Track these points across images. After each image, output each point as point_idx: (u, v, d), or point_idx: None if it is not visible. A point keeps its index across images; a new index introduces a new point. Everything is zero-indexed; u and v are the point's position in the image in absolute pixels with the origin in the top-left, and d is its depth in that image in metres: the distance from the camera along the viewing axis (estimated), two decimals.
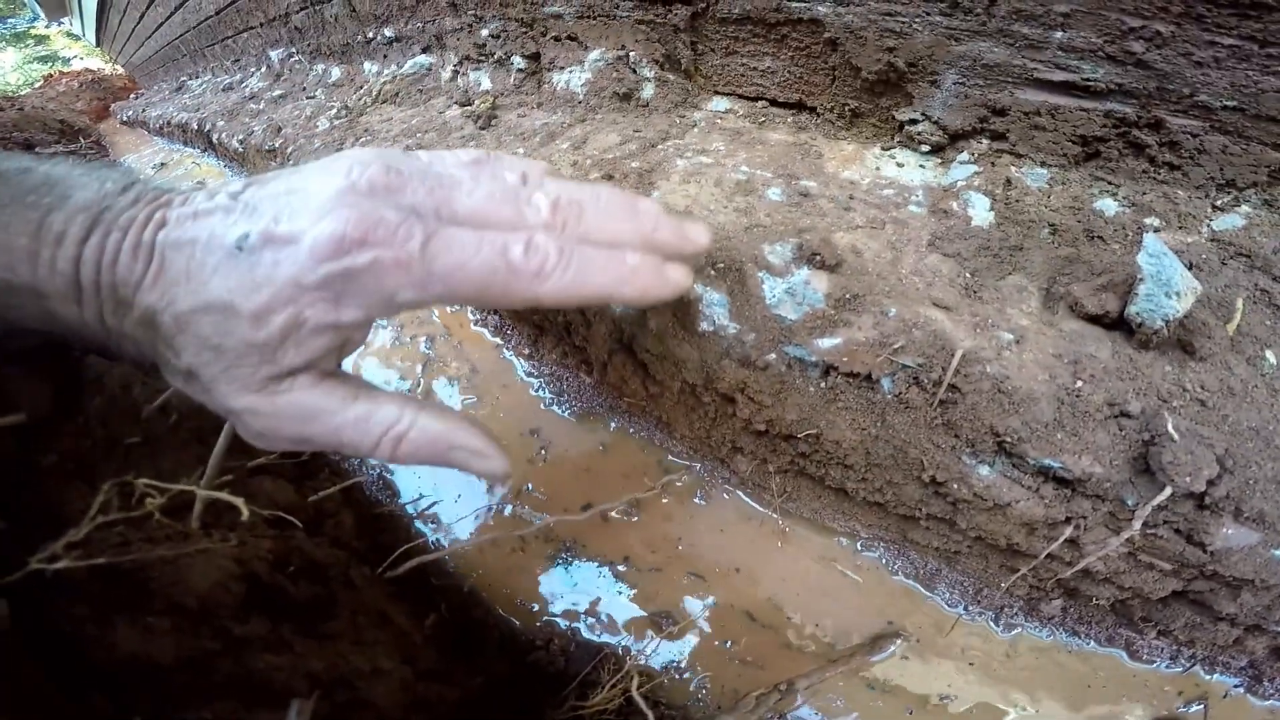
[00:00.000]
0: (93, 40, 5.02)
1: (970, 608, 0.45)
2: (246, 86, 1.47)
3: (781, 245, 0.38)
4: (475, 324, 0.63)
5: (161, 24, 2.37)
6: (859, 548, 0.45)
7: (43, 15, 6.51)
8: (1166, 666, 0.44)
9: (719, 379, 0.37)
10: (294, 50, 1.35)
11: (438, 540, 0.52)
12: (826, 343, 0.34)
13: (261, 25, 1.44)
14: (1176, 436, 0.33)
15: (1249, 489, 0.35)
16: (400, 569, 0.49)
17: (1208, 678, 0.43)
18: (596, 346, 0.44)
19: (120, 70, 4.23)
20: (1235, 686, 0.42)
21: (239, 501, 0.46)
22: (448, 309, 0.68)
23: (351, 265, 0.25)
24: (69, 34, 6.49)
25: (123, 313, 0.27)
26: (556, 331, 0.49)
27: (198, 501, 0.47)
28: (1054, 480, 0.35)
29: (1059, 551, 0.39)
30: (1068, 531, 0.37)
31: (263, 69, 1.50)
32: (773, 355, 0.36)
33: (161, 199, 0.28)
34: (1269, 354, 0.38)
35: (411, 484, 0.57)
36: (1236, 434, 0.35)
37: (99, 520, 0.42)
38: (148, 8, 2.42)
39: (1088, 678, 0.43)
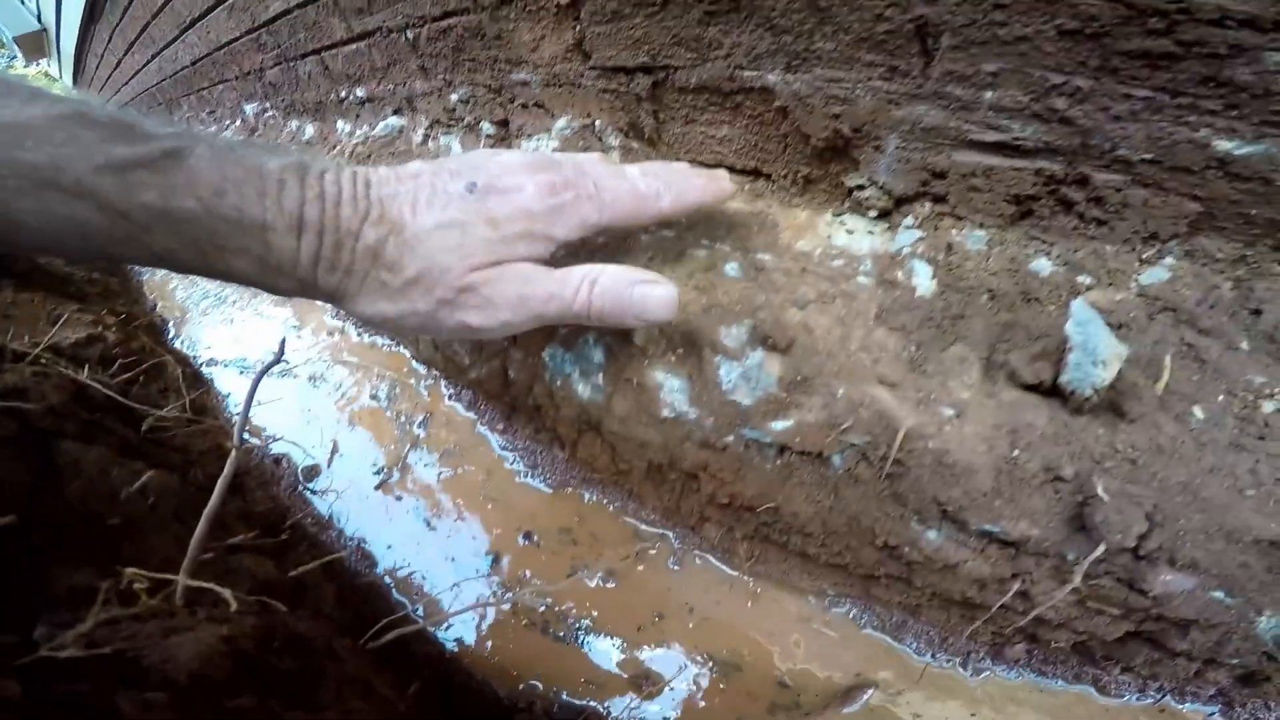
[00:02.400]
0: (69, 83, 5.01)
1: (938, 655, 0.47)
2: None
3: (737, 328, 0.40)
4: (449, 399, 0.65)
5: (138, 71, 2.38)
6: (827, 605, 0.47)
7: (20, 55, 6.49)
8: (1136, 699, 0.46)
9: (682, 459, 0.40)
10: (268, 105, 1.37)
11: (418, 610, 0.54)
12: (779, 425, 0.37)
13: (236, 78, 1.46)
14: (1106, 497, 0.36)
15: (1179, 540, 0.37)
16: (382, 639, 0.50)
17: (1180, 707, 0.45)
18: (565, 427, 0.46)
19: None
20: (1209, 715, 0.44)
21: (226, 593, 0.48)
22: (422, 386, 0.70)
23: (562, 200, 0.37)
24: (46, 75, 6.48)
25: (344, 244, 0.34)
26: (528, 411, 0.51)
27: (179, 588, 0.48)
28: (997, 542, 0.38)
29: (1011, 602, 0.42)
30: (1015, 587, 0.39)
31: (238, 122, 1.51)
32: (731, 437, 0.38)
33: (358, 167, 0.36)
34: (1196, 409, 0.40)
35: (390, 556, 0.58)
36: (1165, 489, 0.38)
37: (101, 615, 0.44)
38: (125, 54, 2.43)
39: (1063, 715, 0.45)
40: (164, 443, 0.75)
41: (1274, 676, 0.42)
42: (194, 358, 1.03)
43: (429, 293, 0.35)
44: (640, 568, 0.50)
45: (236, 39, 1.31)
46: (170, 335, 1.17)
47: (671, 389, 0.40)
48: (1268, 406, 0.40)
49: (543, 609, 0.51)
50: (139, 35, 1.97)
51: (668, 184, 0.42)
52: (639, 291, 0.37)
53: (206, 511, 0.54)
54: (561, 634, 0.50)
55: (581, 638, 0.49)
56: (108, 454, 0.65)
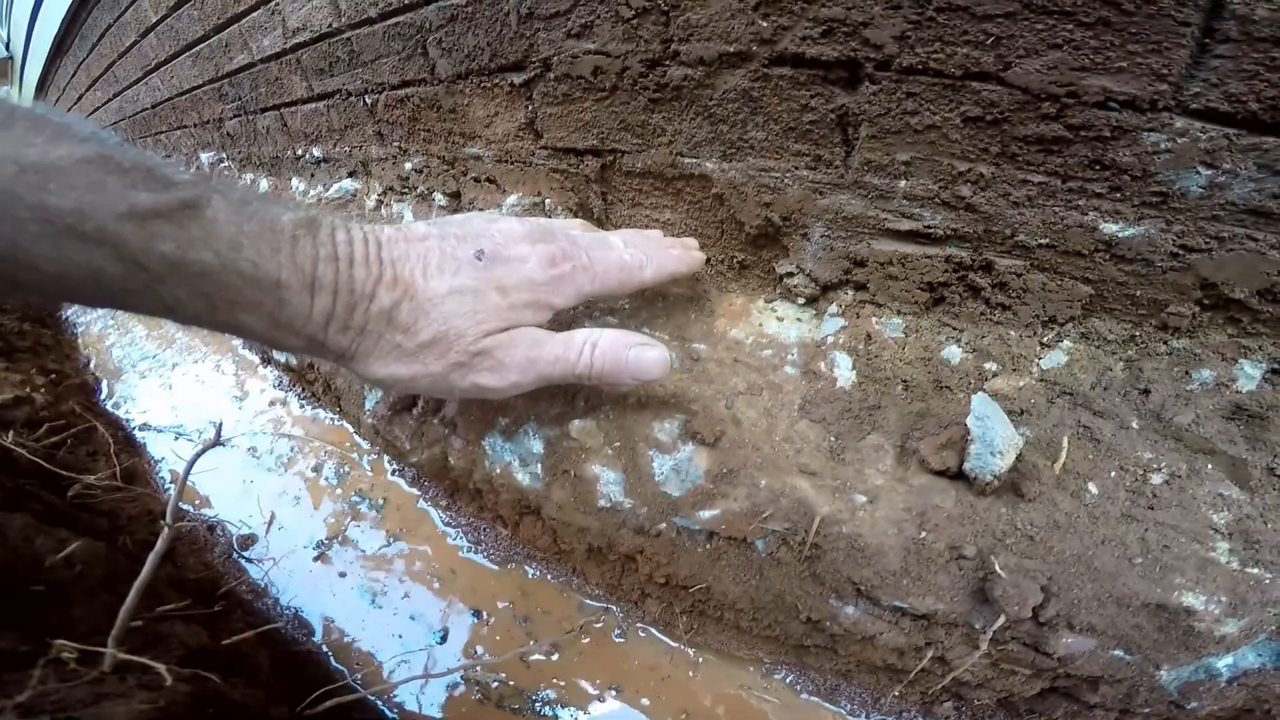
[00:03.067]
0: None
1: (872, 716, 0.49)
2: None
3: (670, 423, 0.42)
4: (391, 474, 0.66)
5: (98, 108, 2.33)
6: (765, 672, 0.49)
7: None
8: None
9: (619, 544, 0.41)
10: (225, 155, 1.36)
11: (358, 679, 0.53)
12: (707, 514, 0.39)
13: (195, 125, 1.45)
14: (1003, 574, 0.39)
15: (1075, 608, 0.40)
16: (320, 708, 0.50)
17: None
18: (506, 510, 0.48)
19: None
20: None
21: (160, 668, 0.47)
22: (365, 460, 0.70)
23: (561, 271, 0.40)
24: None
25: (358, 306, 0.34)
26: (470, 493, 0.52)
27: (108, 658, 0.48)
28: (909, 615, 0.40)
29: (930, 667, 0.44)
30: (929, 654, 0.42)
31: (193, 169, 1.50)
32: (663, 525, 0.40)
33: (365, 226, 0.37)
34: (1090, 485, 0.44)
35: (329, 626, 0.58)
36: (1061, 562, 0.41)
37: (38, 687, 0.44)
38: (87, 89, 2.38)
39: None
40: (91, 508, 0.73)
41: None
42: (127, 420, 1.00)
43: (444, 356, 0.36)
44: (586, 640, 0.51)
45: (198, 86, 1.31)
46: (103, 395, 1.13)
47: (608, 481, 0.42)
48: (1155, 479, 0.43)
49: (496, 683, 0.51)
50: (103, 73, 1.94)
51: (649, 255, 0.45)
52: (634, 354, 0.40)
53: (136, 584, 0.53)
54: (516, 706, 0.50)
55: (535, 709, 0.49)
56: (32, 521, 0.64)
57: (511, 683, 0.51)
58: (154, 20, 1.32)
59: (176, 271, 0.29)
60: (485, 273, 0.37)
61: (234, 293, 0.31)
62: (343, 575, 0.61)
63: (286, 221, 0.32)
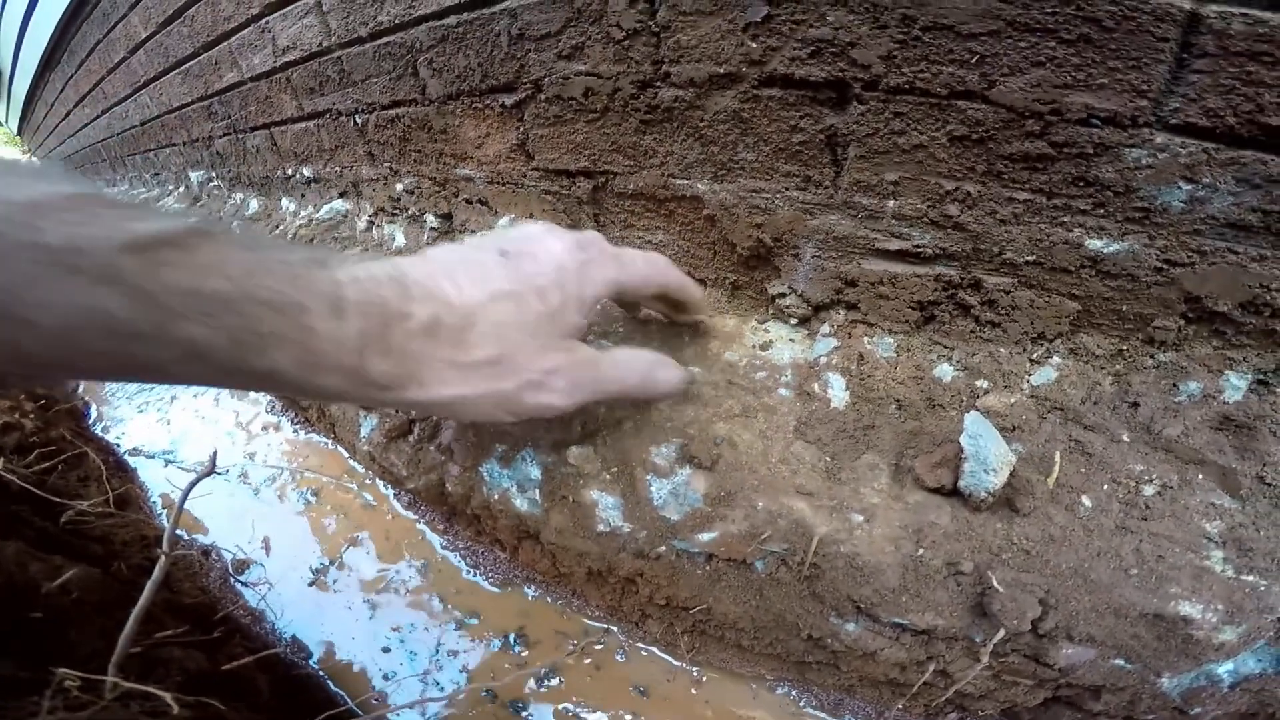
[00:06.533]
0: (14, 128, 4.84)
1: None
2: (163, 204, 1.46)
3: (666, 447, 0.43)
4: (389, 499, 0.66)
5: (86, 124, 2.32)
6: (768, 688, 0.49)
7: None
8: None
9: (619, 567, 0.41)
10: (214, 174, 1.36)
11: (355, 703, 0.53)
12: (706, 536, 0.39)
13: (184, 144, 1.45)
14: (1001, 588, 0.39)
15: (1073, 619, 0.40)
16: None
17: None
18: (505, 534, 0.48)
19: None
20: None
21: (166, 696, 0.47)
22: (360, 485, 0.70)
23: (589, 256, 0.38)
24: None
25: (393, 325, 0.31)
26: (467, 518, 0.52)
27: (108, 688, 0.48)
28: (909, 631, 0.40)
29: (933, 680, 0.44)
30: (931, 668, 0.42)
31: (181, 188, 1.49)
32: (663, 548, 0.40)
33: (368, 255, 0.36)
34: (1084, 499, 0.44)
35: (328, 650, 0.57)
36: (1057, 575, 0.41)
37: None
38: (75, 105, 2.37)
39: None
40: (85, 534, 0.72)
41: None
42: (116, 445, 0.99)
43: (515, 373, 0.34)
44: (587, 660, 0.51)
45: (188, 104, 1.31)
46: (92, 420, 1.12)
47: (606, 505, 0.42)
48: (1148, 490, 0.44)
49: (493, 703, 0.51)
50: (92, 89, 1.94)
51: (658, 263, 0.45)
52: (662, 374, 0.41)
53: (135, 611, 0.53)
54: None
55: None
56: (25, 548, 0.64)
57: (510, 702, 0.51)
58: (143, 36, 1.32)
59: (191, 303, 0.27)
60: (514, 270, 0.35)
61: (257, 323, 0.28)
62: (337, 595, 0.61)
63: (297, 256, 0.30)
